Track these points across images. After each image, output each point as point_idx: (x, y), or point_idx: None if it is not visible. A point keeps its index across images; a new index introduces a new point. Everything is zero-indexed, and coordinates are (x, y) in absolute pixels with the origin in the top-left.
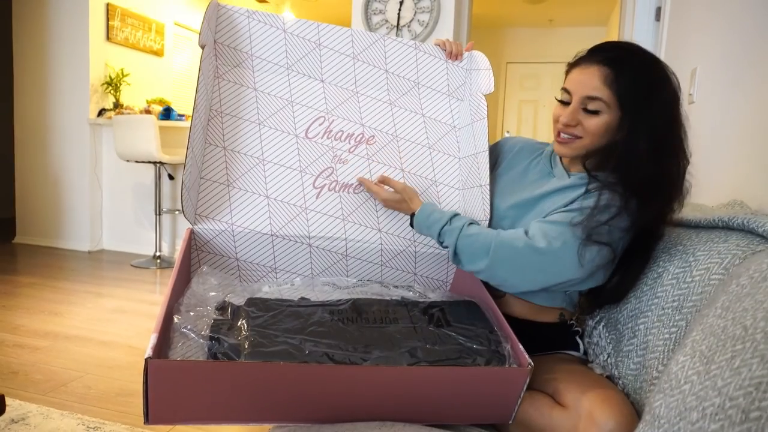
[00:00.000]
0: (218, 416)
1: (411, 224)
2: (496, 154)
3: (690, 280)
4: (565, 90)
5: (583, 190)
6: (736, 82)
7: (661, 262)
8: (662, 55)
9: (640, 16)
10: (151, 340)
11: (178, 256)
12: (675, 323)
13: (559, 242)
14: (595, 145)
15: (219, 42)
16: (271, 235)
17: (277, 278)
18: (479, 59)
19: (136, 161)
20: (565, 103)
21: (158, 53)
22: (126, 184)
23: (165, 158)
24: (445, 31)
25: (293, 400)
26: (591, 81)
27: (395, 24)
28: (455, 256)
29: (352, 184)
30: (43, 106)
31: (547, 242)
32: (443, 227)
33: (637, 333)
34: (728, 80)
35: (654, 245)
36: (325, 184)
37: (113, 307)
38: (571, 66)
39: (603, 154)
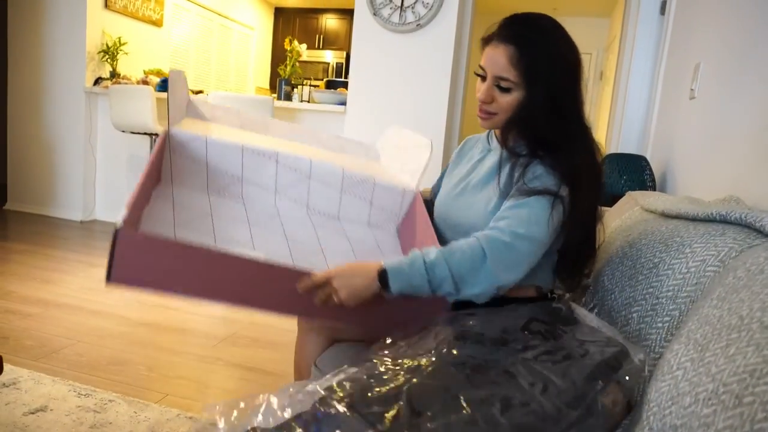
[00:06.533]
0: (171, 287)
1: (386, 287)
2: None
3: (686, 270)
4: (481, 66)
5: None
6: (738, 78)
7: (657, 253)
8: (666, 50)
9: (645, 10)
10: (122, 213)
11: (152, 153)
12: (668, 313)
13: (532, 218)
14: (510, 119)
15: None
16: (242, 147)
17: (242, 189)
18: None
19: (132, 132)
20: (482, 78)
21: (157, 23)
22: (120, 154)
23: (161, 130)
24: (450, 15)
25: (231, 284)
26: (500, 60)
27: (399, 5)
28: (455, 283)
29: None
30: (38, 73)
31: (525, 228)
32: (424, 264)
33: (630, 321)
34: (730, 77)
35: (595, 204)
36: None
37: (104, 277)
38: (485, 41)
39: (516, 125)
